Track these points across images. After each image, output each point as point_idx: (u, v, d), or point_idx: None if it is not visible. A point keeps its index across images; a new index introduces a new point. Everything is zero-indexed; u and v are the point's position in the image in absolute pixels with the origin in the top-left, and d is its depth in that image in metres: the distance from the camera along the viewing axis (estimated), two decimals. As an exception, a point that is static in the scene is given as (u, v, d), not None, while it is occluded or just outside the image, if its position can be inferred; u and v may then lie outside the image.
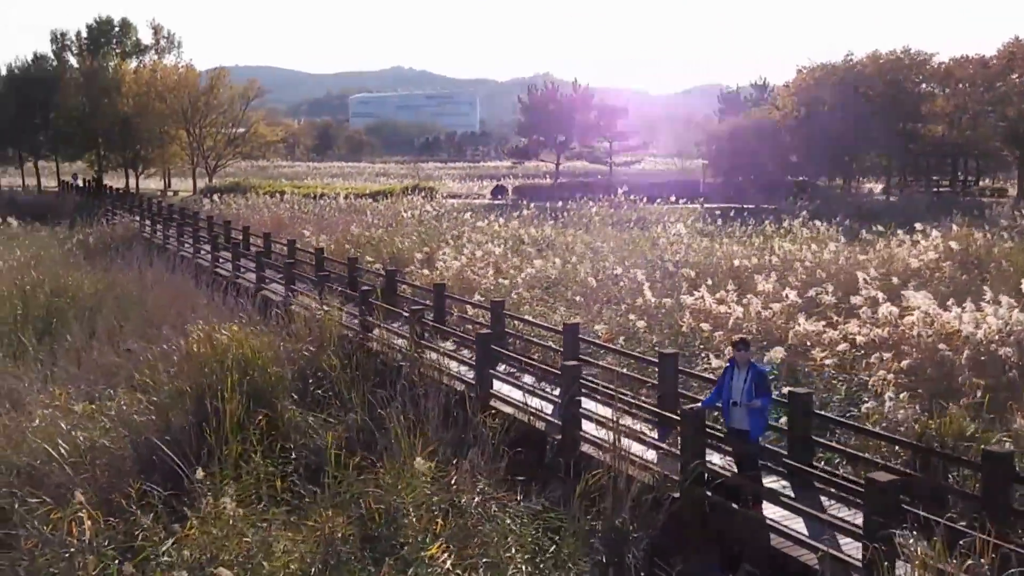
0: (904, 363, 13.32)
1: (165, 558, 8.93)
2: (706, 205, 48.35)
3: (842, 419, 11.04)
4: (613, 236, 34.00)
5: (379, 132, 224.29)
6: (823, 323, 15.69)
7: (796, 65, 62.28)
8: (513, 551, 9.37)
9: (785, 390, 12.02)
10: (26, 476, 11.74)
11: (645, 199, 47.23)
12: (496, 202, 57.52)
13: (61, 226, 43.77)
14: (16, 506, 10.29)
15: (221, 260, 29.46)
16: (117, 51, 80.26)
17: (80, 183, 70.38)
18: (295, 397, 14.06)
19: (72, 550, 9.02)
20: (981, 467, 9.04)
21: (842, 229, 33.13)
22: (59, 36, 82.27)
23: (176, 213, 43.25)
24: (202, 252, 31.87)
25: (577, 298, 20.47)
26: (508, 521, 9.91)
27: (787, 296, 17.27)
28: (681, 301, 17.85)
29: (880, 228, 28.10)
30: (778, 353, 13.53)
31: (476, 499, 10.08)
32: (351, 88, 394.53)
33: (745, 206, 48.03)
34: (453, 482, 10.50)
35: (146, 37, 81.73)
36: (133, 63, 77.32)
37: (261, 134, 72.35)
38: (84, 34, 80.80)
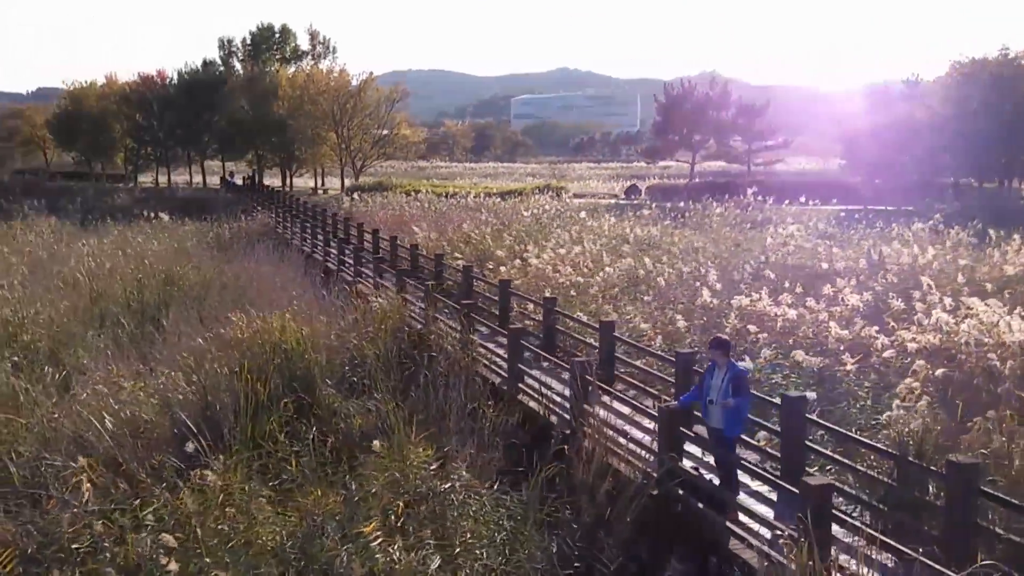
0: (939, 372, 12.64)
1: (146, 522, 9.70)
2: (839, 206, 46.43)
3: (825, 423, 10.64)
4: (724, 237, 33.30)
5: (537, 133, 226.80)
6: (875, 328, 15.02)
7: (949, 60, 58.53)
8: (468, 536, 9.64)
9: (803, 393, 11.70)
10: (78, 444, 12.92)
11: (772, 199, 45.92)
12: (623, 202, 57.12)
13: (207, 221, 46.75)
14: (42, 468, 11.36)
15: (331, 254, 30.90)
16: (277, 57, 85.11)
17: (238, 181, 75.03)
18: (328, 383, 14.70)
19: (73, 510, 9.93)
20: (944, 477, 8.61)
21: (974, 233, 31.20)
22: (226, 43, 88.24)
23: (304, 210, 45.51)
24: (317, 247, 33.50)
25: (646, 297, 20.34)
26: (474, 508, 10.19)
27: (844, 300, 16.59)
28: (737, 302, 17.44)
29: (994, 232, 26.21)
30: (799, 356, 13.15)
31: (446, 485, 10.39)
32: (517, 90, 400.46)
33: (886, 208, 45.84)
34: (432, 468, 10.87)
35: (304, 43, 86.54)
36: (291, 68, 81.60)
37: (403, 135, 74.80)
38: (248, 41, 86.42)
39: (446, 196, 54.90)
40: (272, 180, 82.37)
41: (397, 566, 8.76)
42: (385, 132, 73.16)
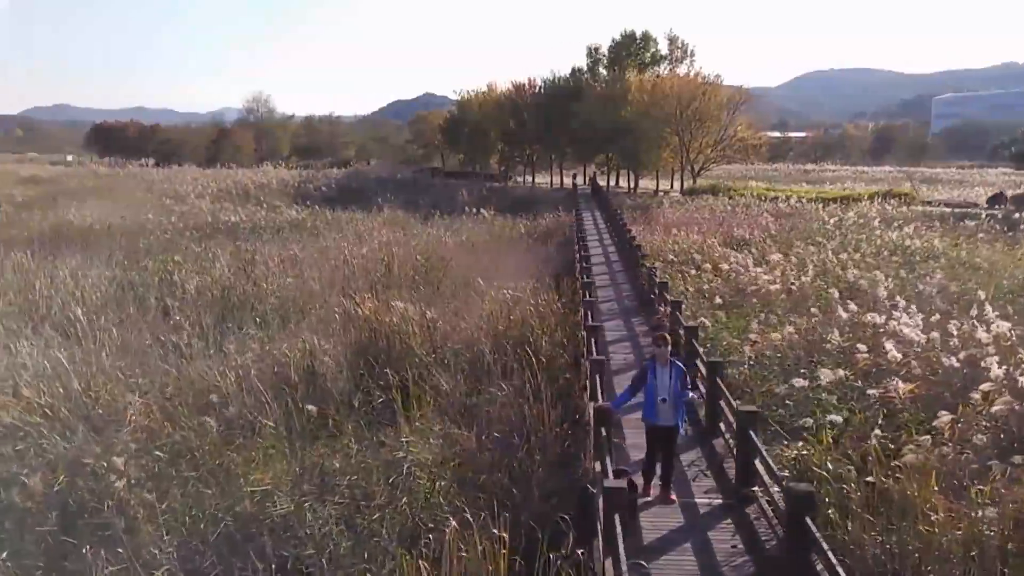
0: (996, 407, 10.97)
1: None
2: None
3: (756, 440, 9.78)
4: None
5: (958, 135, 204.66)
6: (995, 359, 13.06)
7: None
8: (385, 500, 10.52)
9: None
10: (201, 402, 15.38)
11: None
12: (976, 211, 50.76)
13: (522, 217, 49.73)
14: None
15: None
16: (637, 62, 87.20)
17: (582, 182, 78.77)
18: (417, 361, 15.94)
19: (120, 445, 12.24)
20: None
21: None
22: (593, 51, 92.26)
23: (604, 208, 46.99)
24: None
25: (812, 309, 19.06)
26: (427, 483, 11.00)
27: (977, 326, 14.46)
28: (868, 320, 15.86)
29: None
30: (827, 376, 11.98)
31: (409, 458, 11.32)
32: (948, 88, 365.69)
33: None
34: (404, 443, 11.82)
35: (664, 48, 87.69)
36: (648, 73, 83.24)
37: (741, 138, 73.19)
38: (612, 47, 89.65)
39: (766, 200, 53.37)
40: (622, 182, 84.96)
41: (294, 515, 9.94)
42: (729, 133, 72.25)
